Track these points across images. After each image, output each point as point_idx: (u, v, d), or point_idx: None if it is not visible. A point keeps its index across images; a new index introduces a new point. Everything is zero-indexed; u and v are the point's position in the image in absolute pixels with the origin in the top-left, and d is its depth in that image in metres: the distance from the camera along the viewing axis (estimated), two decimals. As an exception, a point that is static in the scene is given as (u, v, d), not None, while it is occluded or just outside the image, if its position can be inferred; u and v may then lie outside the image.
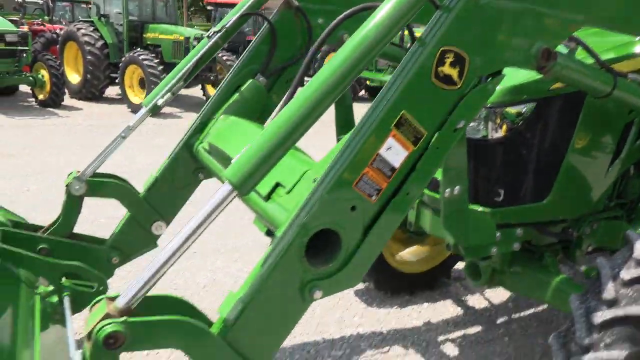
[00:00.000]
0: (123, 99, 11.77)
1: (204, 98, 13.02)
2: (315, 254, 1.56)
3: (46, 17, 19.22)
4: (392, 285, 3.85)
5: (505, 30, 1.68)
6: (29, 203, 5.34)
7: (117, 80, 11.99)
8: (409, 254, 3.93)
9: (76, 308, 2.37)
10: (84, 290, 2.39)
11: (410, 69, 1.56)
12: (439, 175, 2.15)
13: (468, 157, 2.21)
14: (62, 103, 11.31)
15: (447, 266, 4.03)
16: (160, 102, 2.54)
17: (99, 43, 12.00)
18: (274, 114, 1.64)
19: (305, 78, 2.86)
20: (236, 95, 2.57)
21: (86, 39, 11.93)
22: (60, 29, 15.42)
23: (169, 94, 2.55)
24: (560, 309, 2.72)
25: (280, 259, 1.50)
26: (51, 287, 2.37)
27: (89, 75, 11.97)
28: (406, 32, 2.49)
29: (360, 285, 3.87)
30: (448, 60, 1.59)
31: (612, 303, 1.96)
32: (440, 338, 3.44)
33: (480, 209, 2.41)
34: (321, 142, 3.23)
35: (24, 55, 11.06)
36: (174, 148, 2.65)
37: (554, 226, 2.65)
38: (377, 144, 1.55)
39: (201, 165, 2.56)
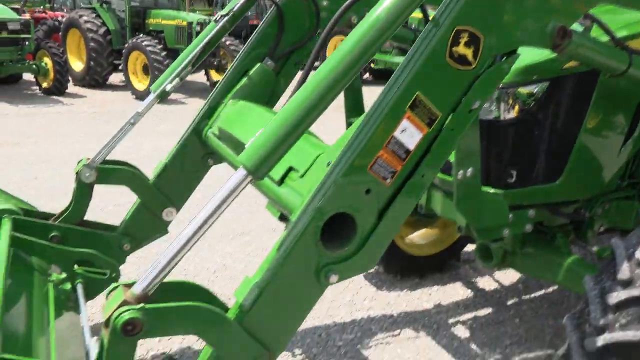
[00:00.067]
0: (127, 85, 11.74)
1: (208, 83, 12.97)
2: (330, 237, 1.55)
3: (47, 5, 19.12)
4: (401, 268, 3.85)
5: (521, 9, 1.65)
6: (36, 191, 5.35)
7: (120, 67, 11.95)
8: (419, 237, 3.93)
9: (89, 295, 2.38)
10: (96, 277, 2.40)
11: (425, 50, 1.54)
12: (451, 157, 2.13)
13: (480, 138, 2.19)
14: (66, 91, 11.28)
15: (457, 249, 4.03)
16: (168, 87, 2.52)
17: (102, 30, 11.93)
18: (287, 97, 1.62)
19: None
20: (244, 80, 2.55)
21: (88, 25, 11.86)
22: (62, 16, 15.36)
23: (177, 79, 2.53)
24: (572, 290, 2.72)
25: (295, 243, 1.49)
26: (64, 275, 2.38)
27: (92, 63, 11.92)
28: (414, 15, 2.46)
29: (370, 269, 3.88)
30: (463, 40, 1.56)
31: (627, 283, 1.95)
32: (451, 320, 3.45)
33: (492, 190, 2.40)
34: (329, 126, 3.20)
35: (27, 43, 11.02)
36: (182, 134, 2.63)
37: (566, 207, 2.64)
38: (392, 126, 1.53)
39: (210, 150, 2.55)
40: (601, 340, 1.96)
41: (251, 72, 2.56)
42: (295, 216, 1.52)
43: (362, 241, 1.59)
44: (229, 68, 2.62)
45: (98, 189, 2.64)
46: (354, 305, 3.56)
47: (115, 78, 13.04)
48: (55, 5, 18.78)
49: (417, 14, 1.94)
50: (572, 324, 2.11)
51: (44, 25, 14.01)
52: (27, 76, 12.19)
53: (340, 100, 2.23)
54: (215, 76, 12.60)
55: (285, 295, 1.53)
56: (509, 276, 4.00)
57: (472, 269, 4.10)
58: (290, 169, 1.78)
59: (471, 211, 2.26)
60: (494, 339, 3.26)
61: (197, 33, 11.33)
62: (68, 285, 2.35)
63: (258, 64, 2.58)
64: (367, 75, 14.78)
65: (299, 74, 2.79)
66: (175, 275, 1.62)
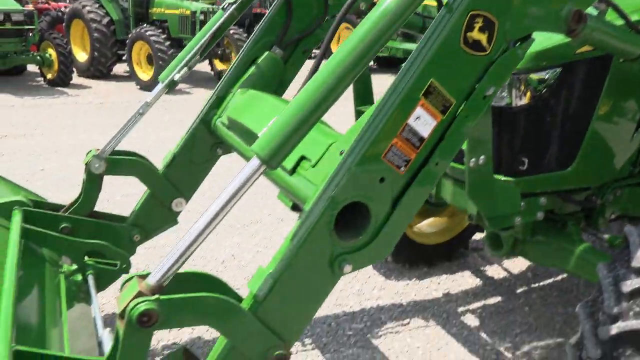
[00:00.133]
0: (131, 76, 11.71)
1: (212, 73, 12.93)
2: (343, 227, 1.54)
3: (50, -5, 19.05)
4: (410, 257, 3.84)
5: (536, -8, 1.62)
6: (43, 182, 5.37)
7: (124, 58, 11.91)
8: (427, 226, 3.91)
9: (100, 286, 2.39)
10: (107, 268, 2.40)
11: (439, 36, 1.52)
12: (463, 145, 2.11)
13: (492, 125, 2.16)
14: (71, 82, 11.26)
15: (465, 237, 4.02)
16: (176, 77, 2.50)
17: (105, 20, 11.89)
18: (296, 86, 1.61)
19: (315, 50, 2.83)
20: (253, 69, 2.52)
21: (92, 16, 11.81)
22: (65, 7, 15.31)
23: (185, 68, 2.50)
24: (584, 278, 2.70)
25: (309, 233, 1.48)
26: (74, 266, 2.39)
27: (96, 53, 11.89)
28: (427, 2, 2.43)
29: (384, 258, 3.89)
30: (477, 25, 1.54)
31: (642, 271, 1.93)
32: (460, 309, 3.44)
33: (503, 178, 2.38)
34: (336, 114, 3.18)
35: (31, 34, 11.00)
36: (190, 124, 2.62)
37: (577, 194, 2.61)
38: (406, 113, 1.51)
39: (219, 140, 2.53)
40: (615, 329, 1.95)
41: (259, 60, 2.53)
42: (309, 206, 1.51)
43: (376, 230, 1.57)
44: (236, 57, 2.59)
45: (105, 179, 2.63)
46: (363, 295, 3.56)
47: (120, 68, 13.02)
48: (58, -5, 18.72)
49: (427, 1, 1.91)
50: (585, 312, 2.09)
51: (47, 16, 13.96)
52: (32, 67, 12.18)
53: (348, 90, 2.22)
54: (219, 65, 12.55)
55: (299, 285, 1.52)
56: (517, 264, 3.99)
57: (481, 258, 4.09)
58: (302, 158, 1.76)
59: (483, 199, 2.24)
60: (503, 327, 3.25)
61: (201, 22, 11.28)
62: (79, 277, 2.36)
63: (266, 53, 2.55)
64: (371, 63, 14.70)
65: (307, 62, 2.77)
66: (184, 266, 1.61)
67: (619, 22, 2.10)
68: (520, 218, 2.43)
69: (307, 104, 1.41)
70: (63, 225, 2.42)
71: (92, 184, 2.49)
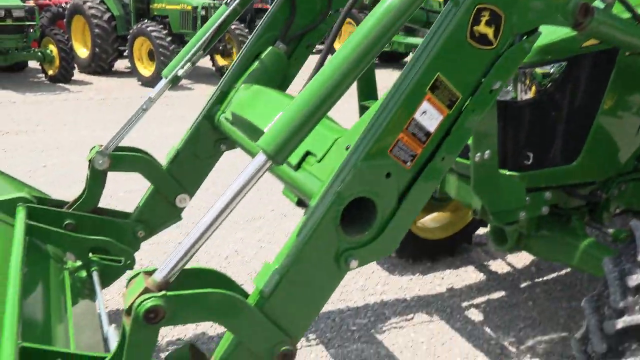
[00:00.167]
0: (133, 72, 11.69)
1: (214, 68, 12.90)
2: (349, 222, 1.53)
3: (51, -9, 19.00)
4: (413, 252, 3.84)
5: (543, -15, 1.61)
6: (46, 179, 5.36)
7: (125, 53, 11.88)
8: (430, 221, 3.91)
9: (104, 282, 2.39)
10: (111, 264, 2.40)
11: (445, 30, 1.51)
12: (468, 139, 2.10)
13: (497, 119, 2.15)
14: (72, 78, 11.25)
15: (468, 232, 4.01)
16: (180, 72, 2.49)
17: (106, 16, 11.86)
18: (300, 81, 1.60)
19: (318, 46, 2.81)
20: (256, 64, 2.51)
21: (93, 11, 11.78)
22: (66, 2, 15.24)
23: (188, 64, 2.49)
24: (589, 273, 2.69)
25: (315, 228, 1.47)
26: (79, 263, 2.38)
27: (97, 49, 11.87)
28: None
29: (390, 254, 3.89)
30: (484, 19, 1.53)
31: (648, 265, 1.92)
32: (464, 304, 3.44)
33: (508, 173, 2.37)
34: (341, 110, 3.17)
35: (32, 30, 10.97)
36: (193, 120, 2.61)
37: (582, 188, 2.61)
38: (412, 108, 1.51)
39: (223, 136, 2.53)
40: (620, 323, 1.95)
41: (263, 55, 2.52)
42: (315, 201, 1.50)
43: (382, 226, 1.57)
44: (239, 52, 2.58)
45: (108, 175, 2.62)
46: (367, 290, 3.56)
47: (121, 64, 13.00)
48: (58, -9, 18.67)
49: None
50: (591, 306, 2.09)
51: (48, 12, 13.92)
52: (33, 64, 12.17)
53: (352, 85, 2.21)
54: (220, 61, 12.52)
55: (306, 281, 1.52)
56: (521, 259, 3.99)
57: (484, 252, 4.09)
58: (307, 154, 1.76)
59: (488, 194, 2.23)
60: (507, 322, 3.25)
61: (202, 17, 11.24)
62: (83, 273, 2.36)
63: (270, 48, 2.54)
64: (373, 58, 14.64)
65: (311, 57, 2.76)
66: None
67: (626, 15, 2.08)
68: (525, 213, 2.42)
69: (313, 99, 1.40)
70: (67, 222, 2.41)
71: (96, 180, 2.49)
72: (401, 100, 1.49)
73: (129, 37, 11.52)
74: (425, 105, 1.51)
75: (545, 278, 3.76)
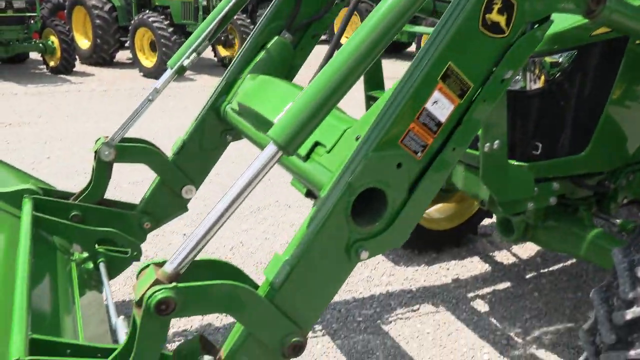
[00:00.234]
0: (134, 63, 11.65)
1: (216, 59, 12.85)
2: (359, 213, 1.52)
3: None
4: (418, 243, 3.83)
5: (555, -28, 1.58)
6: (50, 170, 5.36)
7: (127, 44, 11.84)
8: (436, 212, 3.90)
9: (111, 274, 2.39)
10: (118, 256, 2.40)
11: (457, 18, 1.49)
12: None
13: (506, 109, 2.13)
14: (74, 69, 11.22)
15: (474, 223, 4.00)
16: (185, 62, 2.47)
17: (107, 6, 11.80)
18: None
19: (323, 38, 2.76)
20: (262, 54, 2.49)
21: (94, 2, 11.73)
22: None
23: (194, 54, 2.47)
24: (596, 263, 2.68)
25: (326, 219, 1.46)
26: (85, 254, 2.38)
27: (98, 40, 11.83)
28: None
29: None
30: (496, 7, 1.51)
31: (658, 256, 1.91)
32: (470, 295, 3.44)
33: (516, 163, 2.35)
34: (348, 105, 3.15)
35: (33, 21, 10.93)
36: (195, 110, 2.60)
37: (590, 179, 2.59)
38: (423, 97, 1.49)
39: (229, 127, 2.51)
40: (630, 314, 1.93)
41: (269, 45, 2.50)
42: (325, 192, 1.49)
43: (392, 217, 1.56)
44: (245, 42, 2.56)
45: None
46: (372, 281, 3.56)
47: (122, 55, 12.95)
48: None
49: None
50: (600, 297, 2.08)
51: (48, 3, 13.86)
52: (34, 55, 12.13)
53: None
54: (223, 52, 12.48)
55: (316, 272, 1.51)
56: (527, 250, 3.98)
57: (490, 243, 4.09)
58: (316, 144, 1.74)
59: (497, 184, 2.22)
60: (513, 313, 3.25)
61: (204, 7, 11.18)
62: (90, 265, 2.35)
63: (275, 37, 2.52)
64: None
65: (316, 47, 2.74)
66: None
67: (637, 2, 2.05)
68: (533, 203, 2.41)
69: (324, 89, 1.39)
70: (73, 214, 2.41)
71: (102, 172, 2.48)
72: (412, 90, 1.47)
73: (130, 27, 11.48)
74: (436, 94, 1.50)
75: (550, 269, 3.76)
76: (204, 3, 11.24)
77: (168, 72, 2.52)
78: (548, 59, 2.27)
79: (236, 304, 1.42)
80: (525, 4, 1.55)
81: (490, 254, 3.94)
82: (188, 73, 11.51)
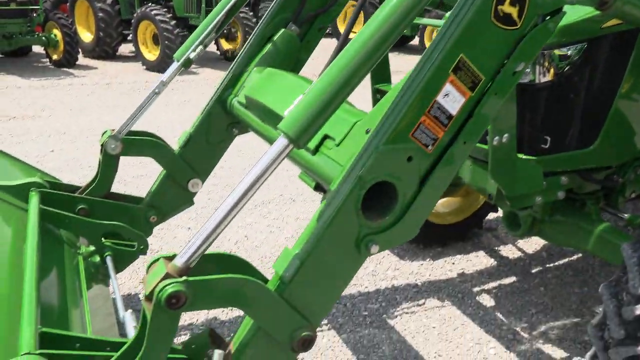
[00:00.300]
0: (137, 56, 11.62)
1: (218, 52, 12.82)
2: (369, 207, 1.51)
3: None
4: (424, 237, 3.82)
5: (568, -37, 1.57)
6: (54, 164, 5.35)
7: (129, 38, 11.80)
8: (441, 206, 3.89)
9: (118, 267, 2.38)
10: (125, 249, 2.39)
11: (469, 10, 1.47)
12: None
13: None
14: (76, 63, 11.20)
15: (479, 217, 3.99)
16: (192, 55, 2.45)
17: (110, -1, 11.78)
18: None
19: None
20: (269, 46, 2.47)
21: (96, -5, 11.71)
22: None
23: (200, 46, 2.46)
24: (604, 258, 2.67)
25: (336, 213, 1.45)
26: (92, 248, 2.38)
27: (101, 33, 11.80)
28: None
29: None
30: None
31: (669, 251, 1.90)
32: (476, 289, 3.43)
33: (525, 157, 2.34)
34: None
35: (36, 14, 10.90)
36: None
37: (598, 173, 2.58)
38: (435, 90, 1.48)
39: (236, 120, 2.50)
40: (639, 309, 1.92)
41: (275, 38, 2.48)
42: (335, 186, 1.48)
43: (402, 210, 1.55)
44: (252, 34, 2.54)
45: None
46: (378, 275, 3.55)
47: (125, 49, 12.93)
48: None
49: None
50: (609, 292, 2.07)
51: (51, -4, 13.84)
52: (37, 49, 12.11)
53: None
54: (225, 45, 12.44)
55: (326, 266, 1.50)
56: (532, 244, 3.97)
57: (495, 238, 4.07)
58: (325, 137, 1.73)
59: (505, 178, 2.20)
60: (519, 307, 3.24)
61: (207, 1, 11.14)
62: (97, 258, 2.35)
63: (282, 30, 2.50)
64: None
65: (322, 40, 2.72)
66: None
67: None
68: (541, 197, 2.40)
69: (335, 82, 1.38)
70: (80, 207, 2.40)
71: (108, 165, 2.47)
72: (424, 82, 1.46)
73: (133, 21, 11.45)
74: (448, 87, 1.48)
75: (556, 263, 3.75)
76: (208, -5, 11.21)
77: (174, 65, 2.51)
78: (557, 52, 2.25)
79: (246, 298, 1.41)
80: None
81: (496, 248, 3.93)
82: (191, 66, 11.48)
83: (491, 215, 4.11)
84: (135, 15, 11.44)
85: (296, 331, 1.49)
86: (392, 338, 2.95)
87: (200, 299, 1.34)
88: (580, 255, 3.82)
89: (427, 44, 13.04)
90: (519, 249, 3.92)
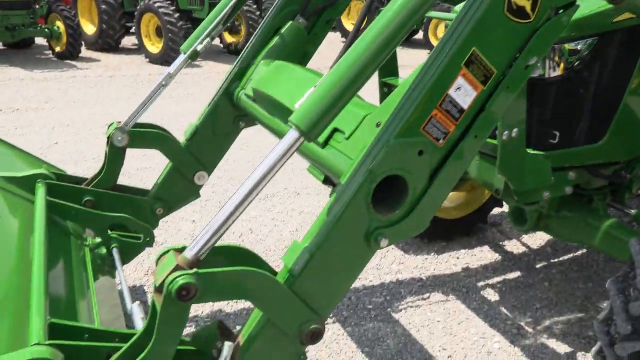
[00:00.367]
0: (140, 48, 11.60)
1: (222, 46, 12.79)
2: (379, 200, 1.50)
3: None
4: (428, 231, 3.77)
5: (582, -44, 1.55)
6: (59, 156, 5.35)
7: (132, 30, 11.78)
8: (446, 200, 3.87)
9: (124, 259, 2.38)
10: (131, 241, 2.39)
11: (482, 2, 1.46)
12: None
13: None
14: (79, 55, 11.18)
15: (484, 212, 3.98)
16: (199, 47, 2.44)
17: (113, -8, 11.74)
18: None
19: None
20: (276, 39, 2.46)
21: (99, -13, 11.67)
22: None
23: (207, 39, 2.44)
24: (610, 254, 2.67)
25: (346, 207, 1.45)
26: (98, 239, 2.38)
27: (104, 26, 11.77)
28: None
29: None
30: None
31: (677, 246, 1.89)
32: (480, 284, 3.43)
33: (533, 152, 2.33)
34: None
35: (38, 6, 10.87)
36: (206, 97, 2.57)
37: (606, 168, 2.57)
38: (447, 84, 1.47)
39: (242, 112, 2.49)
40: (647, 305, 1.92)
41: (283, 30, 2.47)
42: (345, 179, 1.48)
43: (412, 204, 1.54)
44: (259, 26, 2.53)
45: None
46: (382, 269, 3.55)
47: (128, 41, 12.90)
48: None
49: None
50: (616, 287, 2.07)
51: (54, -12, 13.80)
52: (39, 40, 12.09)
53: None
54: (229, 38, 12.41)
55: (335, 259, 1.50)
56: (537, 240, 3.96)
57: (500, 232, 4.07)
58: (334, 130, 1.72)
59: (514, 173, 2.20)
60: (524, 302, 3.24)
61: (211, -7, 11.10)
62: (103, 250, 2.35)
63: (289, 22, 2.49)
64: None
65: (331, 33, 2.71)
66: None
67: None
68: (549, 192, 2.39)
69: (347, 75, 1.37)
70: (86, 199, 2.40)
71: (115, 157, 2.46)
72: (436, 76, 1.45)
73: (136, 13, 11.41)
74: (459, 80, 1.48)
75: (561, 259, 3.74)
76: (211, -12, 11.17)
77: (181, 57, 2.50)
78: (567, 46, 2.24)
79: (255, 290, 1.41)
80: None
81: (500, 243, 3.93)
82: (196, 59, 11.44)
83: (496, 210, 4.10)
84: (138, 7, 11.41)
85: (305, 324, 1.49)
86: (397, 331, 2.95)
87: (210, 291, 1.34)
88: (584, 250, 3.82)
89: (431, 38, 13.04)
90: (524, 244, 3.92)
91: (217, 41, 13.00)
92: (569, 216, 2.66)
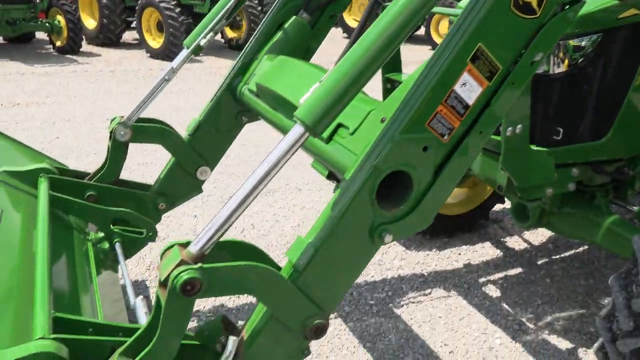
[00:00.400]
0: (141, 43, 11.59)
1: (223, 41, 12.77)
2: (383, 196, 1.50)
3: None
4: (430, 228, 3.77)
5: (589, -48, 1.55)
6: (60, 151, 5.35)
7: (133, 25, 11.75)
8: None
9: (126, 254, 2.38)
10: (133, 236, 2.39)
11: (488, -1, 1.45)
12: None
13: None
14: (80, 50, 11.17)
15: (486, 208, 3.98)
16: (202, 42, 2.44)
17: (114, -14, 11.71)
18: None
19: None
20: (279, 34, 2.46)
21: (100, -18, 11.64)
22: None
23: (211, 33, 2.44)
24: (612, 251, 2.67)
25: (351, 202, 1.45)
26: (101, 234, 2.38)
27: (105, 20, 11.75)
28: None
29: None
30: None
31: (680, 243, 1.89)
32: (482, 280, 3.43)
33: (536, 148, 2.33)
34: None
35: (39, 1, 10.84)
36: (215, 91, 2.57)
37: (609, 165, 2.57)
38: (452, 79, 1.46)
39: (245, 108, 2.49)
40: (650, 302, 1.92)
41: (286, 25, 2.46)
42: (350, 175, 1.47)
43: (417, 200, 1.54)
44: (262, 21, 2.53)
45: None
46: (384, 265, 3.55)
47: (129, 36, 12.88)
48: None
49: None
50: (619, 284, 2.07)
51: (54, -18, 13.76)
52: (40, 35, 12.07)
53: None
54: (230, 33, 12.39)
55: (339, 255, 1.50)
56: (538, 236, 3.96)
57: (501, 229, 4.07)
58: (339, 126, 1.72)
59: (518, 169, 2.20)
60: (525, 298, 3.24)
61: (213, -12, 11.07)
62: (106, 244, 2.35)
63: (293, 17, 2.48)
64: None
65: (332, 29, 2.70)
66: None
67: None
68: (552, 189, 2.39)
69: (353, 70, 1.37)
70: (89, 193, 2.40)
71: (118, 152, 2.46)
72: (441, 71, 1.45)
73: (137, 8, 11.39)
74: (465, 76, 1.47)
75: (562, 255, 3.74)
76: (212, -17, 11.13)
77: (184, 52, 2.50)
78: (572, 42, 2.23)
79: (260, 285, 1.41)
80: None
81: (502, 239, 3.93)
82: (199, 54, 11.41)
83: (497, 207, 4.10)
84: (139, 2, 11.38)
85: (309, 319, 1.49)
86: (399, 327, 2.96)
87: (215, 286, 1.34)
88: (586, 247, 3.82)
89: (433, 34, 13.01)
90: (525, 241, 3.92)
91: (218, 36, 12.93)
92: (572, 213, 2.66)
